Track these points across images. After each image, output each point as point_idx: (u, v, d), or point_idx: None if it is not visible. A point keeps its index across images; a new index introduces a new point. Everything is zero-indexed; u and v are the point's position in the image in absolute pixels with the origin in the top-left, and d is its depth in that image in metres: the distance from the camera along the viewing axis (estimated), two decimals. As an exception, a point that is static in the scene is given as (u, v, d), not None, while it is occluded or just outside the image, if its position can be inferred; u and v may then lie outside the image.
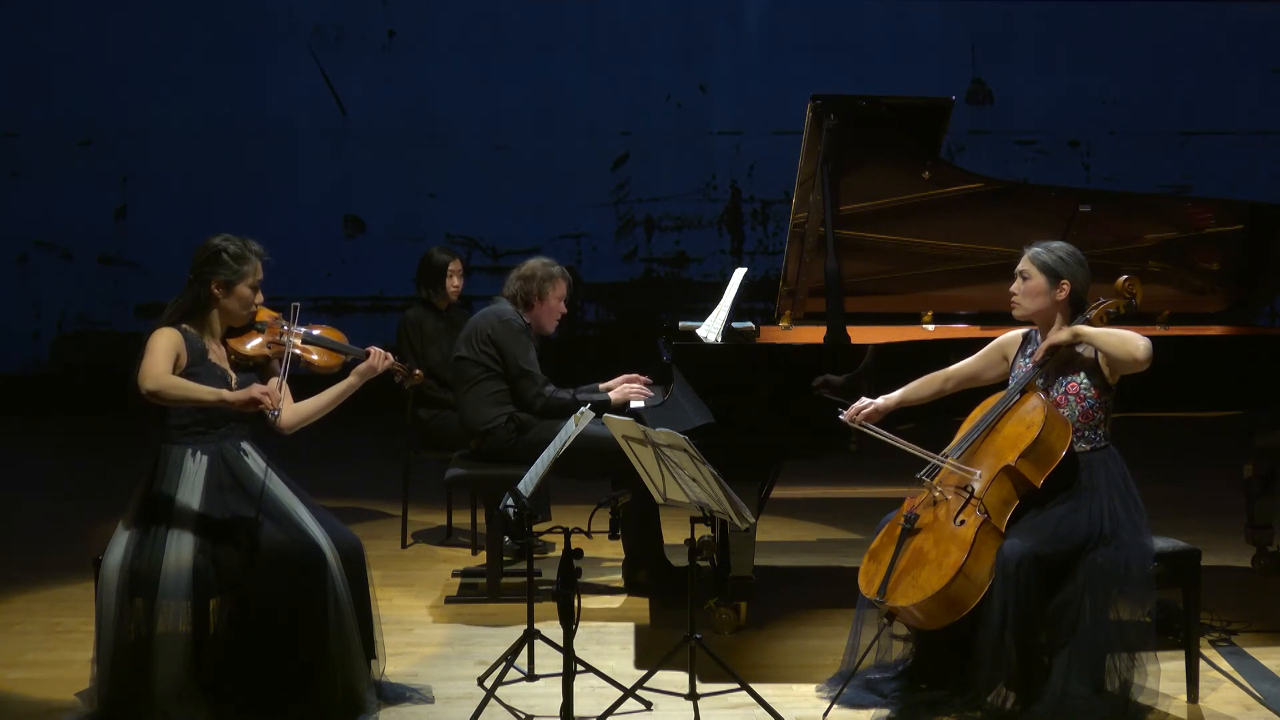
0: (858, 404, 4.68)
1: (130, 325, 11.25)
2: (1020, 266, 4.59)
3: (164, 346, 4.34)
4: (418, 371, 4.93)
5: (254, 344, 4.53)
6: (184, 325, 4.42)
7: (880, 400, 4.68)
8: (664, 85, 11.53)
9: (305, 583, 4.24)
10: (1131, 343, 4.36)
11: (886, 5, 11.50)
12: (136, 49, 11.31)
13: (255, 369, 4.54)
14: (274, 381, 4.47)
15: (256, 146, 11.39)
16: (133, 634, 4.22)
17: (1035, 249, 4.59)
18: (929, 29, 11.46)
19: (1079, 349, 4.48)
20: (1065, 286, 4.51)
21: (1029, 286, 4.55)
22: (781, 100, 10.84)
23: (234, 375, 4.46)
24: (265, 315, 4.58)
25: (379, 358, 4.63)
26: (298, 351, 4.54)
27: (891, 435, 4.52)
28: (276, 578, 4.23)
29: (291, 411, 4.54)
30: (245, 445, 4.46)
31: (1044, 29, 11.51)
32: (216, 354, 4.46)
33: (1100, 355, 4.45)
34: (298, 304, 4.60)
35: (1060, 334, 4.48)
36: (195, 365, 4.37)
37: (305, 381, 4.64)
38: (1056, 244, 4.60)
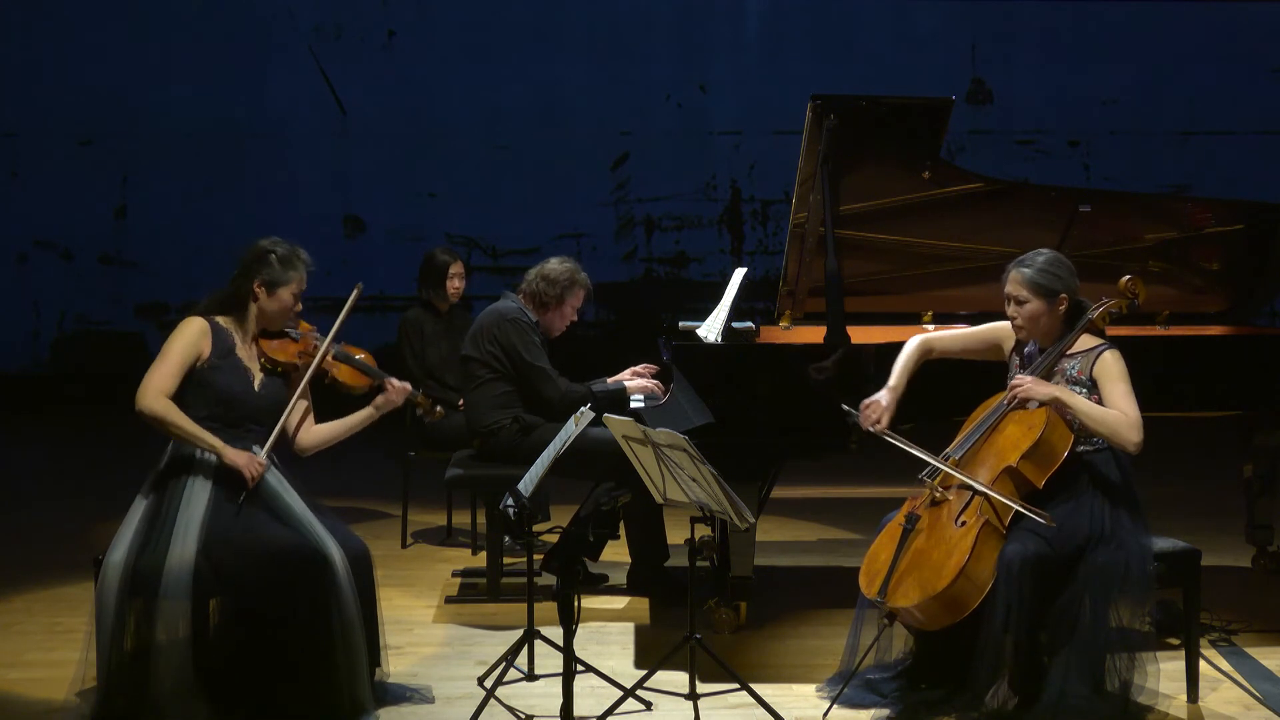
0: (870, 410, 4.58)
1: (130, 325, 11.25)
2: (1010, 290, 4.47)
3: (180, 350, 4.35)
4: (439, 409, 4.91)
5: (285, 351, 4.53)
6: (217, 317, 4.44)
7: (885, 395, 4.61)
8: (664, 85, 11.54)
9: (309, 584, 4.22)
10: (1121, 437, 4.30)
11: (886, 5, 11.50)
12: (136, 49, 11.32)
13: (283, 375, 4.53)
14: (300, 404, 4.52)
15: (256, 146, 11.40)
16: (132, 633, 4.21)
17: (1021, 270, 4.47)
18: (929, 29, 11.47)
19: (1077, 361, 4.46)
20: (1064, 300, 4.46)
21: (1029, 311, 4.46)
22: (781, 100, 10.85)
23: (259, 376, 4.47)
24: (305, 326, 4.60)
25: (398, 392, 4.62)
26: (324, 367, 4.56)
27: (915, 446, 4.41)
28: (281, 579, 4.21)
29: (311, 434, 4.58)
30: (256, 448, 4.43)
31: (1044, 29, 11.52)
32: (245, 352, 4.45)
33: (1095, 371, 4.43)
34: (360, 285, 4.63)
35: (1039, 389, 4.35)
36: (219, 358, 4.39)
37: (330, 398, 4.66)
38: (1041, 258, 4.48)
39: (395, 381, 4.65)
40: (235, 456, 4.31)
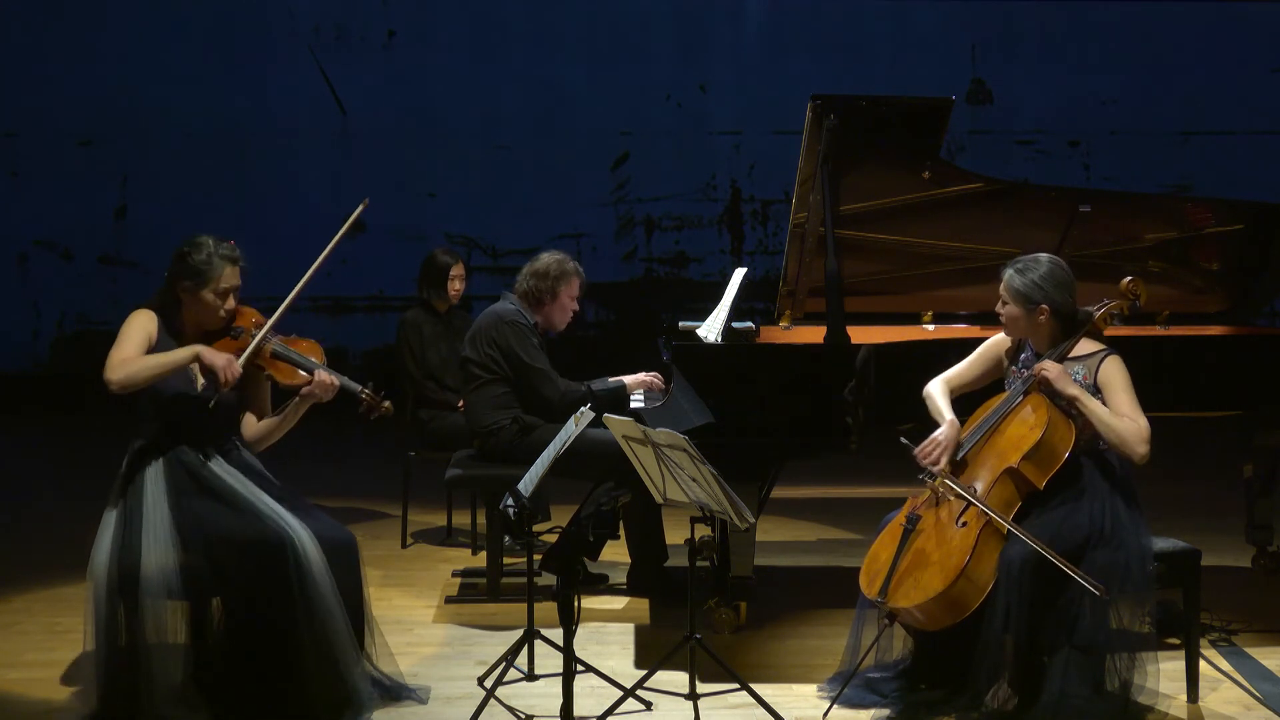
0: (930, 449, 4.44)
1: (130, 325, 11.23)
2: (1000, 288, 4.51)
3: (137, 329, 4.34)
4: (386, 404, 4.65)
5: (225, 349, 4.42)
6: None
7: (948, 431, 4.47)
8: (664, 85, 11.54)
9: (274, 575, 4.21)
10: (1130, 447, 4.28)
11: (886, 5, 11.50)
12: (136, 49, 11.32)
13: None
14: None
15: (256, 146, 11.40)
16: (124, 634, 4.21)
17: (1010, 272, 4.47)
18: (929, 29, 11.47)
19: (1080, 366, 4.45)
20: (1044, 310, 4.45)
21: (1008, 313, 4.49)
22: (781, 100, 10.84)
23: (201, 379, 4.42)
24: (248, 321, 4.51)
25: (322, 386, 4.47)
26: (261, 364, 4.48)
27: (974, 497, 4.30)
28: (240, 572, 4.21)
29: (254, 430, 4.56)
30: (209, 451, 4.42)
31: (1044, 29, 11.52)
32: None
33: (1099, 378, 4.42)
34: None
35: (1062, 384, 4.33)
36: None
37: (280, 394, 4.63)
38: (1036, 263, 4.47)
39: (324, 374, 4.48)
40: (213, 357, 4.29)
